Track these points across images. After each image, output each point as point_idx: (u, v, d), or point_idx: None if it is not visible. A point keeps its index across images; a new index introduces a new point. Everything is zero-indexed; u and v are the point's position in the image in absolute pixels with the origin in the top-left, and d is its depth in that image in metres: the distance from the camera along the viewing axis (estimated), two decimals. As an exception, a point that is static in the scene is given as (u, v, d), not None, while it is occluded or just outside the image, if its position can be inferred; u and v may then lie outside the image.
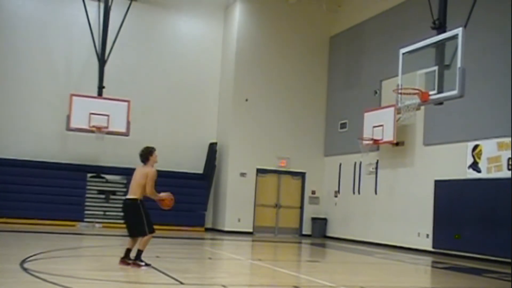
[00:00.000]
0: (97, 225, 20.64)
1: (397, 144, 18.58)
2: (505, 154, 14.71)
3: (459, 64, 12.66)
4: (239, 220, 21.94)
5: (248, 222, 22.13)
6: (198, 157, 22.70)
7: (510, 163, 14.51)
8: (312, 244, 19.55)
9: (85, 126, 19.20)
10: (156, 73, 22.69)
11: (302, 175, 23.10)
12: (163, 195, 9.76)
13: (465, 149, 15.98)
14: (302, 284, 9.47)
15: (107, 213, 21.00)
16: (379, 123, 18.61)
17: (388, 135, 18.25)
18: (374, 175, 20.05)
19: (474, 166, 15.65)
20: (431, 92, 13.44)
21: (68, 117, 19.25)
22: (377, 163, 19.92)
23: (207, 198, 22.37)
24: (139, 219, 9.47)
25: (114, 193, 21.17)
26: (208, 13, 23.54)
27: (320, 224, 22.57)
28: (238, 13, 22.51)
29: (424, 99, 13.52)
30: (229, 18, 23.28)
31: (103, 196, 21.09)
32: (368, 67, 20.99)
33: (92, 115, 19.19)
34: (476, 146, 15.67)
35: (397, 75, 14.68)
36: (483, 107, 15.53)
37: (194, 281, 8.90)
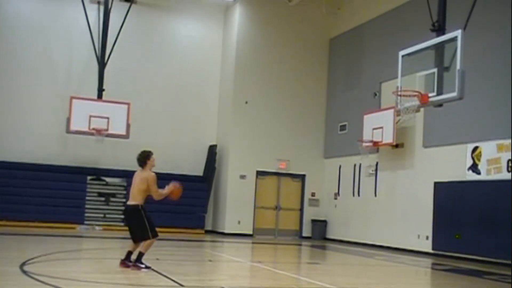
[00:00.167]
0: (97, 227, 20.63)
1: (396, 146, 18.59)
2: (505, 156, 14.72)
3: (458, 66, 12.68)
4: (239, 222, 21.94)
5: (248, 224, 22.13)
6: (198, 159, 22.70)
7: (510, 165, 14.51)
8: (312, 246, 19.55)
9: (85, 129, 19.20)
10: (156, 75, 22.70)
11: (302, 177, 23.10)
12: (167, 190, 9.72)
13: (465, 151, 15.98)
14: (302, 286, 9.49)
15: (107, 215, 21.00)
16: (378, 125, 18.62)
17: (388, 137, 18.26)
18: (373, 177, 20.05)
19: (474, 168, 15.66)
20: (430, 94, 13.46)
21: (68, 120, 19.25)
22: (376, 165, 19.93)
23: (207, 200, 22.37)
24: (142, 224, 9.49)
25: (114, 195, 21.17)
26: (208, 15, 23.56)
27: (320, 226, 22.57)
28: (238, 16, 22.54)
29: (424, 101, 13.54)
30: (229, 20, 23.30)
31: (103, 198, 21.08)
32: (367, 69, 21.00)
33: (92, 118, 19.18)
34: (475, 148, 15.68)
35: (396, 77, 14.70)
36: (483, 109, 15.54)
37: (194, 284, 8.90)
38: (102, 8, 20.77)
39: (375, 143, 18.81)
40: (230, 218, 21.90)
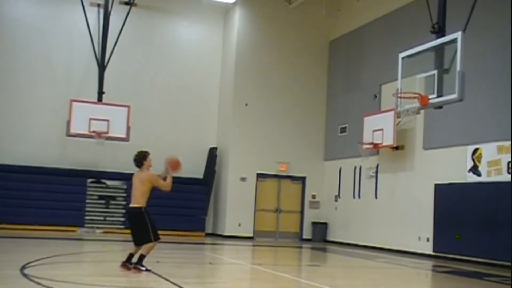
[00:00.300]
0: (97, 230, 20.62)
1: (397, 148, 18.58)
2: (505, 158, 14.71)
3: (458, 68, 12.69)
4: (239, 225, 21.93)
5: (249, 226, 22.11)
6: (198, 162, 22.68)
7: (510, 166, 14.51)
8: (312, 248, 19.54)
9: (85, 132, 19.20)
10: (156, 78, 22.70)
11: (302, 179, 23.09)
12: (167, 171, 9.74)
13: (465, 153, 15.97)
14: (303, 289, 9.47)
15: (107, 218, 21.00)
16: (379, 127, 18.61)
17: (388, 139, 18.25)
18: (374, 179, 20.04)
19: (474, 169, 15.65)
20: (430, 96, 13.47)
21: (68, 123, 19.26)
22: (377, 167, 19.92)
23: (207, 203, 22.36)
24: (144, 227, 9.48)
25: (114, 198, 21.18)
26: (208, 18, 23.57)
27: (320, 228, 22.55)
28: (237, 18, 22.55)
29: (424, 103, 13.55)
30: (229, 23, 23.31)
31: (103, 201, 21.08)
32: (367, 71, 21.01)
33: (92, 121, 19.18)
34: (476, 150, 15.67)
35: (396, 79, 14.70)
36: (483, 111, 15.53)
37: (195, 286, 8.90)
38: (102, 11, 20.78)
39: (376, 145, 18.81)
40: (231, 220, 21.88)
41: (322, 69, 23.47)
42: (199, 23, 23.57)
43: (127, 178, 19.16)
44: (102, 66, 20.24)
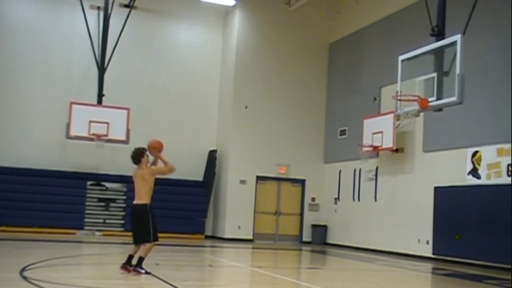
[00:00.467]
0: (97, 233, 20.61)
1: (396, 150, 18.58)
2: (505, 160, 14.71)
3: (458, 71, 12.70)
4: (239, 228, 21.92)
5: (248, 229, 22.11)
6: (198, 164, 22.69)
7: (510, 169, 14.51)
8: (312, 251, 19.53)
9: (85, 134, 19.17)
10: (156, 80, 22.72)
11: (302, 182, 23.09)
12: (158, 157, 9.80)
13: (465, 156, 15.97)
14: (303, 291, 9.47)
15: (107, 221, 21.00)
16: (378, 130, 18.62)
17: (388, 142, 18.25)
18: (374, 182, 20.04)
19: (474, 172, 15.65)
20: (430, 99, 13.47)
21: (68, 125, 19.24)
22: (376, 169, 19.92)
23: (207, 205, 22.36)
24: (146, 226, 9.49)
25: (114, 201, 21.18)
26: (207, 21, 23.59)
27: (320, 231, 22.54)
28: (237, 21, 22.57)
29: (423, 105, 13.55)
30: (229, 25, 23.33)
31: (103, 204, 21.08)
32: (367, 74, 21.02)
33: (91, 123, 19.16)
34: (475, 153, 15.67)
35: (396, 82, 14.72)
36: (483, 113, 15.54)
37: (194, 289, 8.90)
38: (101, 13, 20.80)
39: (375, 148, 18.81)
40: (230, 223, 21.88)
41: (321, 71, 23.49)
42: (198, 26, 23.59)
43: (127, 180, 19.26)
44: (102, 69, 20.24)
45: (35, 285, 8.00)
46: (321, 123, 23.34)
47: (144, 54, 22.70)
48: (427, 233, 17.10)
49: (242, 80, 22.41)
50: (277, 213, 22.72)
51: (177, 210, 21.18)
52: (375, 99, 20.18)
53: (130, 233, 9.94)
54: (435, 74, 13.49)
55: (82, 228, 20.61)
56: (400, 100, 14.26)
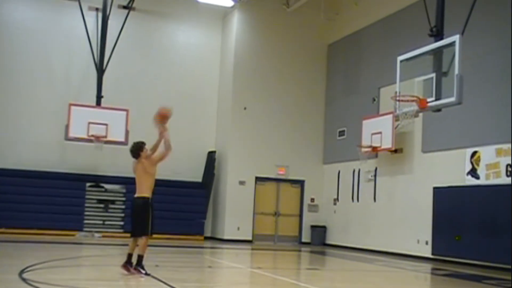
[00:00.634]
0: (96, 234, 20.59)
1: (395, 151, 18.58)
2: (504, 161, 14.72)
3: (456, 71, 12.71)
4: (238, 229, 21.91)
5: (248, 230, 22.10)
6: (197, 165, 22.68)
7: (509, 169, 14.51)
8: (311, 252, 19.53)
9: (84, 136, 19.18)
10: (155, 82, 22.70)
11: (301, 183, 23.08)
12: (161, 135, 9.92)
13: (464, 156, 15.98)
14: (302, 292, 9.47)
15: (106, 222, 20.97)
16: (377, 131, 18.63)
17: (387, 143, 18.26)
18: (373, 183, 20.05)
19: (473, 172, 15.66)
20: (429, 99, 13.48)
21: (67, 127, 19.25)
22: (375, 170, 19.93)
23: (206, 206, 22.35)
24: (146, 219, 9.55)
25: (113, 202, 21.15)
26: (206, 22, 23.58)
27: (319, 232, 22.54)
28: (236, 22, 22.57)
29: (422, 106, 13.56)
30: (227, 26, 23.34)
31: (102, 205, 21.05)
32: (366, 75, 21.03)
33: (90, 125, 19.18)
34: (474, 153, 15.68)
35: (395, 83, 14.74)
36: (481, 114, 15.54)
37: (194, 290, 8.90)
38: (100, 15, 20.81)
39: (374, 149, 18.82)
40: (230, 224, 21.87)
41: (320, 72, 23.49)
42: (197, 27, 23.59)
43: (126, 182, 19.28)
44: (100, 70, 20.25)
45: (35, 287, 8.00)
46: (320, 123, 23.34)
47: (142, 56, 22.69)
48: (426, 234, 17.10)
49: (241, 81, 22.41)
50: (276, 214, 22.72)
51: (176, 211, 21.17)
52: (374, 100, 20.18)
53: (130, 233, 9.96)
54: (434, 75, 13.50)
55: (81, 230, 20.60)
56: (399, 100, 14.27)
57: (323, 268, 14.86)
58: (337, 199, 22.10)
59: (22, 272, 9.42)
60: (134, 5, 21.65)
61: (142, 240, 9.58)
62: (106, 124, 19.28)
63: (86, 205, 20.88)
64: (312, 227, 22.70)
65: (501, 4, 15.03)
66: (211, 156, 22.82)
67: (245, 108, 22.33)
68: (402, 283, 11.88)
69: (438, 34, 13.86)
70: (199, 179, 22.60)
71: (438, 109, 13.95)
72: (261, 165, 22.37)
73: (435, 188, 16.94)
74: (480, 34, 15.24)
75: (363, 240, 20.22)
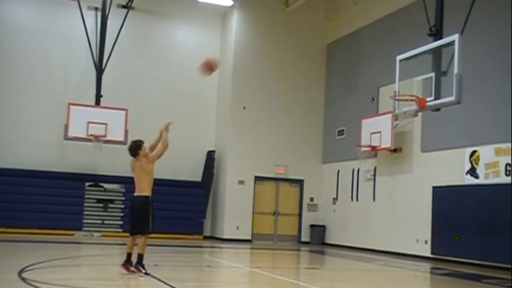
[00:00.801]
0: (95, 234, 20.60)
1: (395, 150, 18.59)
2: (503, 160, 14.72)
3: (456, 71, 12.71)
4: (237, 228, 21.91)
5: (247, 229, 22.10)
6: (196, 165, 22.68)
7: (508, 168, 14.52)
8: (311, 251, 19.53)
9: (83, 135, 19.18)
10: (154, 81, 22.70)
11: (300, 182, 23.09)
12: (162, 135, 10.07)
13: (463, 155, 15.99)
14: (301, 292, 9.47)
15: (106, 222, 20.97)
16: (376, 130, 18.63)
17: (386, 142, 18.26)
18: (372, 182, 20.05)
19: (472, 172, 15.67)
20: (428, 99, 13.48)
21: (66, 126, 19.25)
22: (375, 169, 19.93)
23: (206, 206, 22.35)
24: (146, 218, 9.58)
25: (112, 202, 21.15)
26: (205, 22, 23.58)
27: (318, 231, 22.54)
28: (235, 21, 22.57)
29: (422, 105, 13.55)
30: (227, 26, 23.33)
31: (101, 205, 21.05)
32: (365, 74, 21.03)
33: (90, 124, 19.18)
34: (473, 152, 15.68)
35: (394, 82, 14.74)
36: (481, 113, 15.55)
37: (193, 290, 8.90)
38: (99, 14, 20.80)
39: (373, 148, 18.83)
40: (229, 223, 21.87)
41: (320, 72, 23.49)
42: (197, 27, 23.58)
43: (125, 181, 19.26)
44: (100, 70, 20.24)
45: (34, 286, 8.00)
46: (319, 123, 23.34)
47: (142, 55, 22.69)
48: (426, 233, 17.10)
49: (240, 80, 22.41)
50: (275, 213, 22.72)
51: (175, 211, 21.16)
52: (373, 99, 20.19)
53: (129, 232, 9.97)
54: (433, 74, 13.50)
55: (80, 229, 20.60)
56: (398, 100, 14.27)
57: (322, 267, 14.87)
58: (337, 198, 22.11)
59: (21, 271, 9.42)
60: (133, 4, 21.64)
61: (141, 239, 9.59)
62: (105, 124, 19.28)
63: (86, 204, 20.88)
64: (312, 226, 22.70)
65: (501, 3, 15.03)
66: (210, 155, 22.81)
67: (244, 108, 22.33)
68: (402, 282, 11.89)
69: (437, 33, 13.86)
70: (199, 179, 22.60)
71: (437, 109, 13.95)
72: (261, 165, 22.37)
73: (434, 188, 16.95)
74: (480, 33, 15.24)
75: (362, 240, 20.22)
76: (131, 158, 9.92)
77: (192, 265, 13.31)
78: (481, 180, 15.38)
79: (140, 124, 21.30)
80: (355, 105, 21.12)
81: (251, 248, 19.57)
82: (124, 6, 21.65)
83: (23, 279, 8.61)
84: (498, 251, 14.40)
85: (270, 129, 22.62)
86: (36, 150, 20.91)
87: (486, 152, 15.26)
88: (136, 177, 9.77)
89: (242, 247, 19.59)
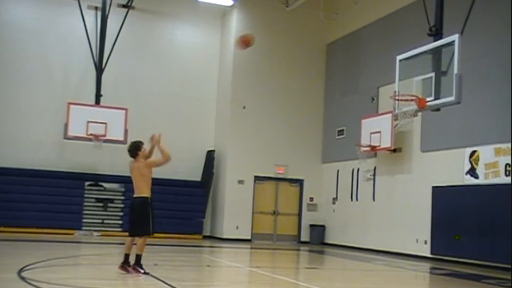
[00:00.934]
0: (95, 233, 20.60)
1: (394, 150, 18.58)
2: (503, 160, 14.72)
3: (455, 71, 12.72)
4: (237, 228, 21.91)
5: (246, 229, 22.10)
6: (196, 164, 22.68)
7: (508, 169, 14.52)
8: (310, 251, 19.53)
9: (83, 135, 19.20)
10: (154, 81, 22.71)
11: (300, 182, 23.09)
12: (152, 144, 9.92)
13: (463, 155, 15.99)
14: (301, 292, 9.47)
15: (105, 221, 20.98)
16: (376, 130, 18.62)
17: (386, 142, 18.25)
18: (372, 182, 20.05)
19: (472, 172, 15.67)
20: (428, 99, 13.48)
21: (66, 126, 19.26)
22: (374, 169, 19.93)
23: (205, 205, 22.35)
24: (146, 219, 9.55)
25: (112, 201, 21.16)
26: (205, 21, 23.57)
27: (318, 231, 22.54)
28: (235, 21, 22.56)
29: (421, 105, 13.56)
30: (226, 26, 23.33)
31: (101, 204, 21.06)
32: (365, 74, 21.03)
33: (89, 123, 19.20)
34: (473, 152, 15.68)
35: (394, 82, 14.74)
36: (480, 113, 15.55)
37: (193, 289, 8.89)
38: (99, 14, 20.81)
39: (373, 148, 18.82)
40: (228, 223, 21.87)
41: (319, 71, 23.49)
42: (196, 26, 23.58)
43: (125, 181, 19.18)
44: (99, 69, 20.26)
45: (33, 285, 8.00)
46: (319, 123, 23.34)
47: (142, 55, 22.69)
48: (425, 233, 17.10)
49: (240, 80, 22.41)
50: (275, 213, 22.72)
51: (175, 210, 21.17)
52: (373, 99, 20.18)
53: (128, 233, 9.95)
54: (433, 74, 13.50)
55: (80, 229, 20.61)
56: (398, 100, 14.28)
57: (322, 267, 14.87)
58: (336, 198, 22.11)
59: (21, 271, 9.41)
60: (133, 4, 21.64)
61: (140, 240, 9.57)
62: (105, 123, 19.30)
63: (85, 204, 20.90)
64: (311, 226, 22.71)
65: (501, 3, 15.03)
66: (210, 155, 22.81)
67: (244, 107, 22.33)
68: (401, 282, 11.89)
69: (437, 33, 13.87)
70: (198, 178, 22.60)
71: (437, 109, 13.95)
72: (260, 164, 22.37)
73: (434, 188, 16.95)
74: (479, 33, 15.23)
75: (362, 240, 20.22)
76: (130, 159, 9.89)
77: (192, 265, 13.31)
78: (480, 180, 15.38)
79: (139, 124, 21.34)
80: (355, 105, 21.12)
81: (251, 248, 19.57)
82: (124, 6, 21.65)
83: (23, 278, 8.60)
84: (498, 251, 14.40)
85: (269, 129, 22.62)
86: (36, 149, 20.91)
87: (485, 152, 15.26)
88: (134, 178, 9.73)
89: (242, 246, 19.59)
